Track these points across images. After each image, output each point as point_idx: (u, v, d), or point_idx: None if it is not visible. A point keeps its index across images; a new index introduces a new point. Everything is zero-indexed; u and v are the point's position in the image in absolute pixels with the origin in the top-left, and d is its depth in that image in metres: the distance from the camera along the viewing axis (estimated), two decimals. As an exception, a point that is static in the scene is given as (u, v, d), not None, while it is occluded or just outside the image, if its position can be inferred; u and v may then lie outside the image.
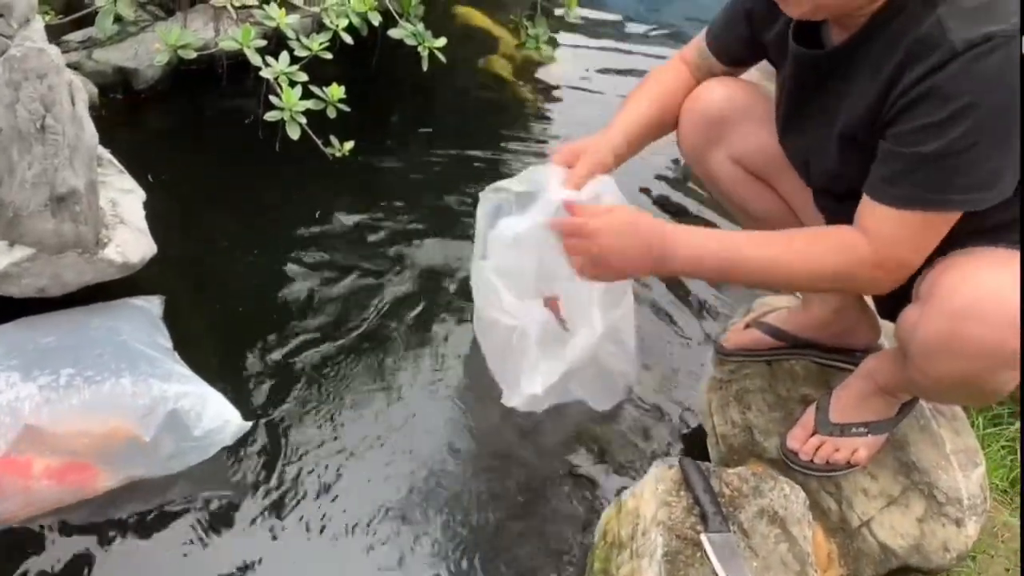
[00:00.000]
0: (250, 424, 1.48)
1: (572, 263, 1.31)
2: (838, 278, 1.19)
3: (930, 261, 1.17)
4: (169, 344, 1.59)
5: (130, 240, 1.53)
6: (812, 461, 1.42)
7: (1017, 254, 1.14)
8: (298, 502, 1.47)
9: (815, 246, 1.19)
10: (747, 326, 1.67)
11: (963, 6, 1.04)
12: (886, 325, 1.64)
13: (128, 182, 1.73)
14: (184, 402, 1.41)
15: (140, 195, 1.72)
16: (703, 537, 1.21)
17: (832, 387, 1.53)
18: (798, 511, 1.28)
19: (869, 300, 1.56)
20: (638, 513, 1.30)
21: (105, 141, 1.73)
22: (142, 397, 1.39)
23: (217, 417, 1.44)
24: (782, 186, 1.47)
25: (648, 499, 1.29)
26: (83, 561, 1.34)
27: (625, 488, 1.44)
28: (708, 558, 1.19)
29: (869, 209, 1.14)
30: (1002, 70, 1.02)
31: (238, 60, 2.21)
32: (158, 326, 1.61)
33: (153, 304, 1.65)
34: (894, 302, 1.27)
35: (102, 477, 1.40)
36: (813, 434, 1.44)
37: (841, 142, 1.21)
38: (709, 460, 1.55)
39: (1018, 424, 1.77)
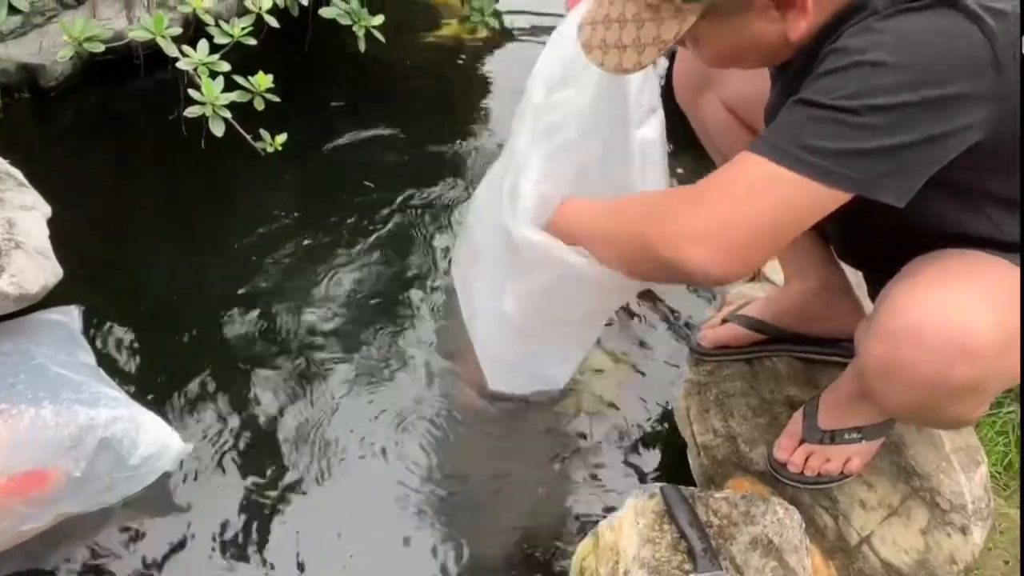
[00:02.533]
0: (191, 446, 1.35)
1: None
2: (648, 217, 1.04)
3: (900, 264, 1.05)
4: (92, 360, 1.44)
5: (28, 267, 1.35)
6: (802, 473, 1.30)
7: (1004, 260, 1.02)
8: (249, 528, 1.35)
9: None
10: (723, 321, 1.54)
11: None
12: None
13: (30, 197, 1.54)
14: (116, 428, 1.27)
15: (44, 211, 1.53)
16: (692, 579, 1.08)
17: (820, 387, 1.41)
18: (794, 537, 1.16)
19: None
20: (617, 549, 1.16)
21: (7, 148, 1.56)
22: (67, 428, 1.25)
23: (154, 442, 1.31)
24: None
25: (628, 534, 1.16)
26: None
27: (602, 514, 1.32)
28: (699, 603, 1.06)
29: None
30: (926, 33, 0.87)
31: (156, 50, 2.00)
32: (78, 341, 1.46)
33: (71, 316, 1.49)
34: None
35: (29, 519, 1.25)
36: (801, 443, 1.31)
37: None
38: (691, 472, 1.42)
39: (1013, 408, 1.66)
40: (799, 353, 1.49)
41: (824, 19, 0.98)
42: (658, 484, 1.19)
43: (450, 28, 2.72)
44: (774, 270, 1.72)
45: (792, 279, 1.47)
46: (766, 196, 0.94)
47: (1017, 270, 1.02)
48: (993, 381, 1.02)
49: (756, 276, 1.76)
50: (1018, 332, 0.98)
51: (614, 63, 1.02)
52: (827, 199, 0.92)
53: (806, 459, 1.30)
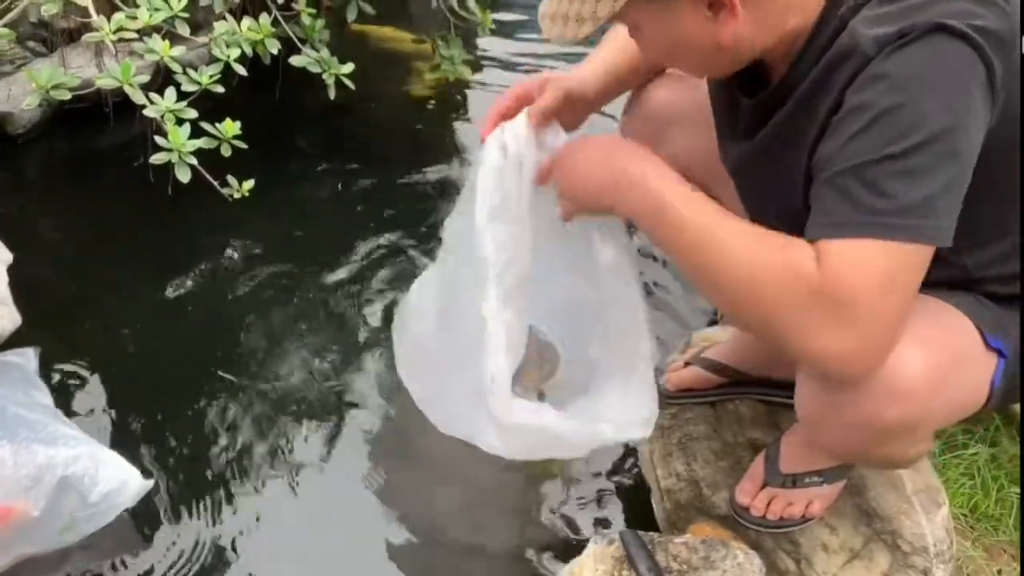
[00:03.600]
0: (151, 482, 1.34)
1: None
2: (778, 295, 0.92)
3: None
4: (50, 402, 1.42)
5: (-17, 315, 1.34)
6: (764, 516, 1.30)
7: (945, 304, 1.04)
8: (215, 564, 1.35)
9: (764, 240, 0.96)
10: (686, 364, 1.54)
11: (877, 11, 0.92)
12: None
13: (-12, 244, 1.53)
14: (75, 467, 1.26)
15: (4, 258, 1.52)
16: (650, 626, 1.07)
17: (783, 429, 1.41)
18: (754, 582, 1.15)
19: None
20: (577, 596, 1.15)
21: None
22: (25, 467, 1.23)
23: (114, 478, 1.29)
24: (722, 197, 1.34)
25: (588, 580, 1.14)
26: None
27: (562, 561, 1.30)
28: (657, 651, 1.05)
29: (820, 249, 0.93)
30: (926, 64, 0.88)
31: (126, 98, 2.01)
32: (34, 382, 1.44)
33: (27, 358, 1.47)
34: None
35: None
36: (764, 486, 1.31)
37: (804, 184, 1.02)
38: (654, 516, 1.41)
39: (976, 449, 1.66)
40: (761, 396, 1.49)
41: (766, 40, 0.99)
42: (618, 530, 1.18)
43: (420, 76, 2.75)
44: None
45: None
46: (899, 282, 0.90)
47: (958, 312, 1.03)
48: (926, 422, 1.03)
49: (721, 317, 1.78)
50: (951, 376, 0.99)
51: (556, 32, 1.03)
52: (928, 253, 0.91)
53: (768, 503, 1.29)
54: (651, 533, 1.20)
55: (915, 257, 0.90)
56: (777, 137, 1.05)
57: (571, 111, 1.30)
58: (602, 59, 1.35)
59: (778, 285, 0.92)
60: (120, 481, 1.29)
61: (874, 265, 0.89)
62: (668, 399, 1.52)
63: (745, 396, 1.50)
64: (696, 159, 1.32)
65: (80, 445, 1.30)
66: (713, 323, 1.81)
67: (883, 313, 0.90)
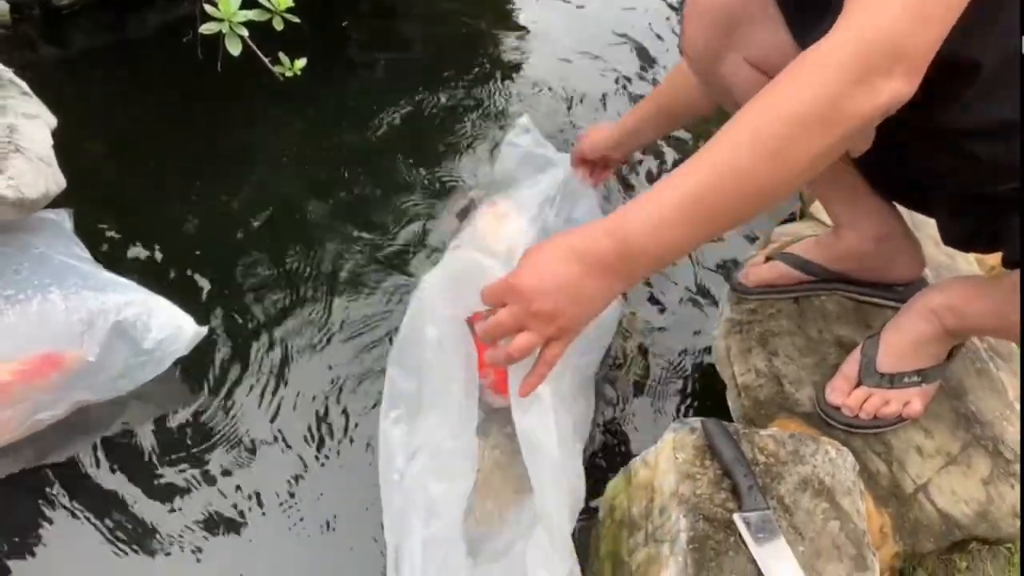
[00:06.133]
0: (206, 329, 1.30)
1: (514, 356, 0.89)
2: (825, 115, 0.79)
3: None
4: (89, 258, 1.38)
5: (28, 171, 1.26)
6: (856, 417, 1.20)
7: None
8: (271, 413, 1.36)
9: (779, 87, 0.83)
10: (768, 259, 1.43)
11: None
12: (933, 256, 1.41)
13: (34, 106, 1.44)
14: (128, 313, 1.23)
15: (48, 121, 1.44)
16: (736, 517, 0.98)
17: (872, 327, 1.31)
18: (847, 479, 1.05)
19: (915, 227, 1.32)
20: (652, 487, 1.07)
21: (13, 63, 1.48)
22: (77, 312, 1.20)
23: (168, 325, 1.26)
24: None
25: (665, 470, 1.06)
26: (30, 508, 1.21)
27: (633, 454, 1.22)
28: (743, 543, 0.97)
29: None
30: None
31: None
32: (74, 239, 1.40)
33: (62, 217, 1.42)
34: (969, 226, 1.03)
35: (44, 407, 1.22)
36: (857, 385, 1.21)
37: None
38: (730, 417, 1.32)
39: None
40: (851, 294, 1.38)
41: None
42: (698, 418, 1.09)
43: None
44: (821, 208, 1.61)
45: (844, 229, 1.32)
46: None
47: None
48: None
49: (802, 214, 1.66)
50: None
51: None
52: None
53: (863, 402, 1.20)
54: (734, 424, 1.11)
55: None
56: None
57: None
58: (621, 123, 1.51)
59: (824, 108, 0.79)
60: (174, 327, 1.26)
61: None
62: (747, 294, 1.41)
63: (833, 292, 1.38)
64: (776, 56, 1.18)
65: (131, 292, 1.26)
66: (788, 220, 1.69)
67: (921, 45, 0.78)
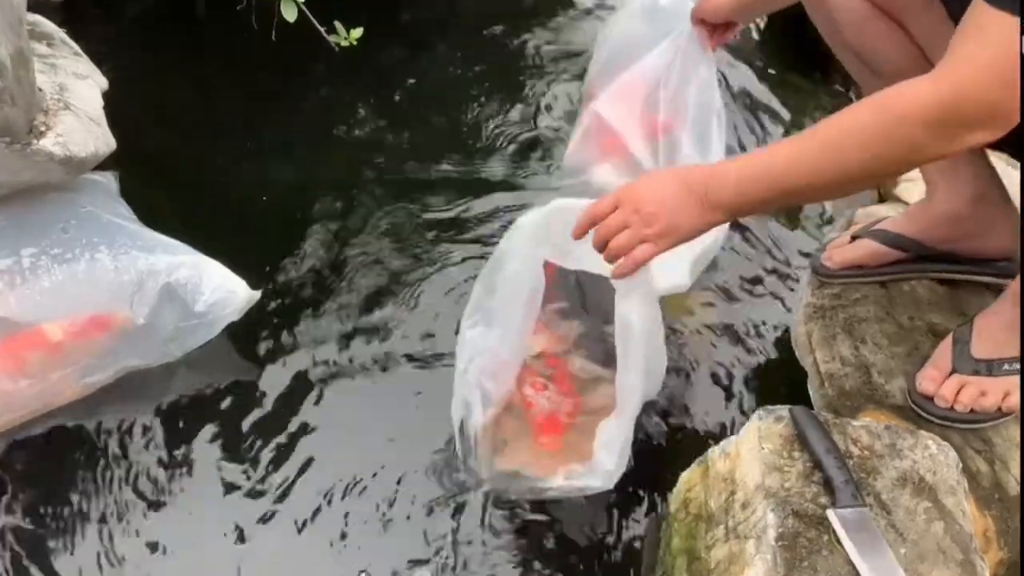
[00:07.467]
0: (259, 293, 1.25)
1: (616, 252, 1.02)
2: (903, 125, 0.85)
3: None
4: (135, 219, 1.33)
5: (77, 130, 1.20)
6: (952, 408, 1.10)
7: None
8: (326, 378, 1.32)
9: (868, 132, 0.88)
10: (853, 238, 1.33)
11: None
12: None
13: (84, 66, 1.40)
14: (179, 274, 1.18)
15: (99, 82, 1.39)
16: (831, 514, 0.89)
17: (967, 314, 1.20)
18: (951, 477, 0.96)
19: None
20: (734, 478, 0.99)
21: (66, 27, 1.44)
22: (127, 273, 1.16)
23: (220, 288, 1.21)
24: (916, 24, 1.11)
25: (749, 460, 0.97)
26: (77, 474, 1.17)
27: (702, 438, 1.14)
28: (839, 543, 0.88)
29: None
30: None
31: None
32: (121, 202, 1.36)
33: (108, 179, 1.38)
34: None
35: (92, 370, 1.18)
36: (952, 374, 1.11)
37: None
38: (810, 404, 1.23)
39: None
40: (944, 274, 1.28)
41: None
42: (785, 406, 1.01)
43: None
44: (905, 190, 1.51)
45: (939, 190, 1.24)
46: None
47: None
48: None
49: (885, 196, 1.55)
50: None
51: None
52: None
53: (957, 392, 1.10)
54: (823, 414, 1.02)
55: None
56: None
57: None
58: None
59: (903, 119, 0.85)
60: (227, 291, 1.21)
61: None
62: (830, 277, 1.32)
63: (923, 274, 1.29)
64: None
65: (182, 253, 1.22)
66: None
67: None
